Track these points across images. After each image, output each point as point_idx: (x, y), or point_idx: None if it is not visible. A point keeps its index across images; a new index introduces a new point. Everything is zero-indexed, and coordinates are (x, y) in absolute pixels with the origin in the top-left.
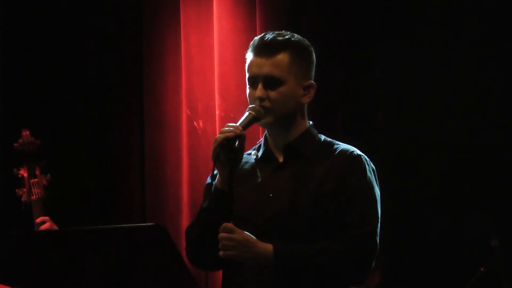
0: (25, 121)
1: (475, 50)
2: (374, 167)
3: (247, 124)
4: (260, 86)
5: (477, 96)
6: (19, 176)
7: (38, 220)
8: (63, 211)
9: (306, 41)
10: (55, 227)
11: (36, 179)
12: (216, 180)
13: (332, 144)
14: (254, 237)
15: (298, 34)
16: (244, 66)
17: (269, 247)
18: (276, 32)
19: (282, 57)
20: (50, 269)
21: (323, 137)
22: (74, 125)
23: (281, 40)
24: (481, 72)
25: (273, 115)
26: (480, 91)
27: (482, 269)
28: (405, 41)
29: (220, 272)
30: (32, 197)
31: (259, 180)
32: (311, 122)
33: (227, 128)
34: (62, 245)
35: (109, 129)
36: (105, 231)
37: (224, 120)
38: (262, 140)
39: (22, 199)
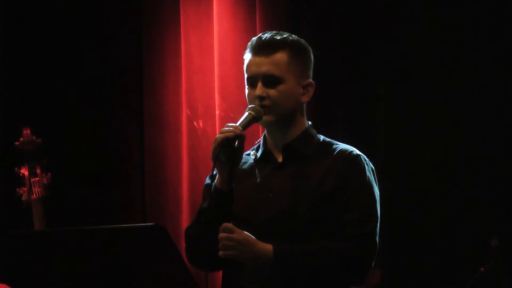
0: (26, 120)
1: (477, 49)
2: (373, 167)
3: (246, 124)
4: (259, 84)
5: (478, 95)
6: (20, 175)
7: None
8: (63, 211)
9: (304, 41)
10: None
11: (37, 178)
12: (215, 180)
13: (331, 144)
14: (254, 237)
15: (297, 34)
16: (243, 67)
17: (268, 247)
18: (274, 32)
19: (281, 56)
20: (50, 269)
21: (322, 137)
22: (74, 125)
23: (279, 39)
24: (482, 72)
25: (274, 113)
26: (481, 91)
27: (482, 269)
28: (405, 40)
29: (220, 272)
30: (32, 196)
31: (258, 180)
32: (310, 122)
33: (226, 128)
34: (62, 245)
35: (109, 129)
36: (105, 231)
37: (224, 120)
38: (261, 140)
39: (23, 198)
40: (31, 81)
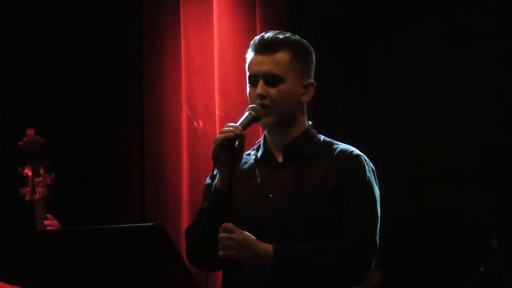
0: (26, 120)
1: (477, 48)
2: (373, 167)
3: (247, 124)
4: (260, 83)
5: (477, 95)
6: (23, 175)
7: (47, 222)
8: (64, 211)
9: (306, 41)
10: None
11: (40, 178)
12: (215, 180)
13: (332, 144)
14: (254, 237)
15: (298, 34)
16: (244, 66)
17: (268, 247)
18: (276, 31)
19: (282, 55)
20: (50, 269)
21: (322, 137)
22: (74, 125)
23: (281, 38)
24: (481, 71)
25: (274, 114)
26: (481, 90)
27: (482, 269)
28: (405, 40)
29: (220, 272)
30: (35, 196)
31: (259, 180)
32: (310, 122)
33: (227, 128)
34: (62, 245)
35: (109, 129)
36: (105, 231)
37: (224, 120)
38: (261, 140)
39: (26, 198)
40: (31, 81)
